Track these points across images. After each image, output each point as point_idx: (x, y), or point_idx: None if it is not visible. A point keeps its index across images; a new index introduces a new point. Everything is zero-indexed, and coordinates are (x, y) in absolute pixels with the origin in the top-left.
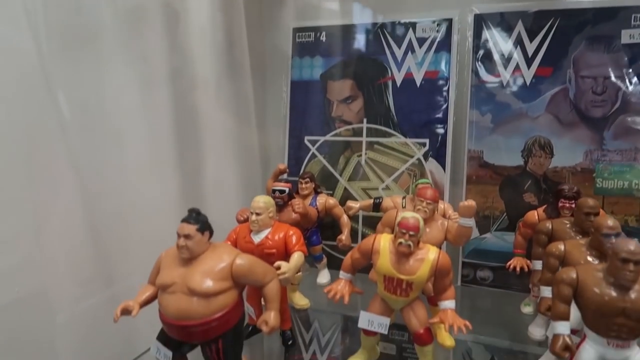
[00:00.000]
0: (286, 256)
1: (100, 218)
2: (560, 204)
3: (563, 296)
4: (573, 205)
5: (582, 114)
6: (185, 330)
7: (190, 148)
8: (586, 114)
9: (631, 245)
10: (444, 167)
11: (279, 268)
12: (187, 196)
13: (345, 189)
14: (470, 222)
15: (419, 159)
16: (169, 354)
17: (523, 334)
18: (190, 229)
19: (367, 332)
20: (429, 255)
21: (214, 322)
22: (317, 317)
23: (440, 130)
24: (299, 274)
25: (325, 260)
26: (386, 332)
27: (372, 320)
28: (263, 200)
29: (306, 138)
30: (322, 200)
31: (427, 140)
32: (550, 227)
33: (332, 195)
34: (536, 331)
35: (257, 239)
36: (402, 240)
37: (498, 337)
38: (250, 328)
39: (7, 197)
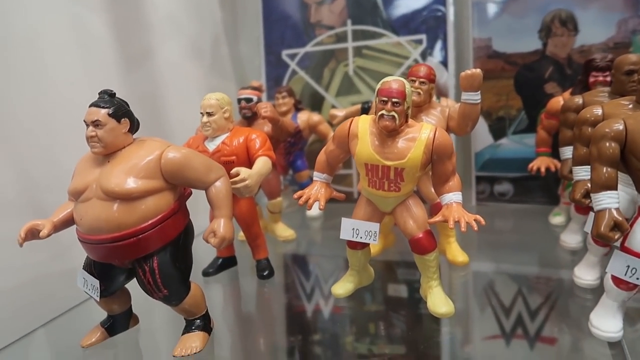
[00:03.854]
0: (249, 164)
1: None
2: (591, 79)
3: (607, 156)
4: (608, 79)
5: None
6: (106, 247)
7: (144, 76)
8: None
9: None
10: (446, 66)
11: (237, 174)
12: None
13: (334, 106)
14: (477, 96)
15: (415, 60)
16: (96, 283)
17: (553, 256)
18: (100, 113)
19: (353, 245)
20: (423, 132)
21: (142, 232)
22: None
23: (439, 22)
24: (279, 199)
25: None
26: (376, 242)
27: (356, 229)
28: (215, 97)
29: (284, 52)
30: (305, 117)
31: (423, 37)
32: (580, 101)
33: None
34: (571, 238)
35: (212, 146)
36: (383, 111)
37: (525, 263)
38: (220, 261)
39: None
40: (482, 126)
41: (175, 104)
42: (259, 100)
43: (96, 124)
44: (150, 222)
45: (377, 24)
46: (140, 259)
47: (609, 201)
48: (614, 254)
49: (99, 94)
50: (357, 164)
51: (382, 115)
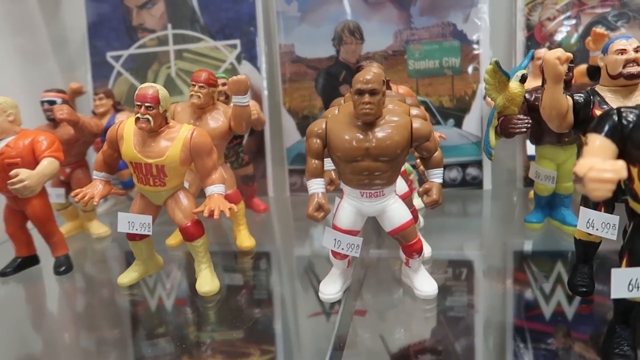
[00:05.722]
0: (36, 166)
1: None
2: None
3: (314, 150)
4: None
5: None
6: None
7: None
8: None
9: (367, 74)
10: (258, 69)
11: (17, 175)
12: None
13: None
14: (245, 99)
15: (231, 63)
16: None
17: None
18: None
19: (131, 237)
20: (181, 132)
21: None
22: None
23: (251, 28)
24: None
25: None
26: (150, 233)
27: (132, 222)
28: None
29: (108, 54)
30: (124, 117)
31: (238, 42)
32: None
33: None
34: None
35: None
36: (139, 114)
37: None
38: (19, 260)
39: None
40: (290, 124)
41: None
42: (65, 102)
43: None
44: None
45: (195, 29)
46: None
47: (316, 187)
48: (326, 231)
49: None
50: (125, 162)
51: (138, 118)
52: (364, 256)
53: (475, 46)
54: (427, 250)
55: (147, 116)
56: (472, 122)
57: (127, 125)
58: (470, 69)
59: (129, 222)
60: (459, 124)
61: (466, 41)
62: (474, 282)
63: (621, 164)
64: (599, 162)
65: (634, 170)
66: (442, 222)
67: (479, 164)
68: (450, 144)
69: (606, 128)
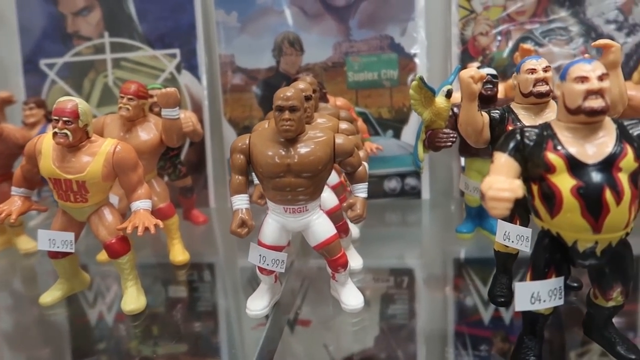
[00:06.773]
0: None
1: None
2: None
3: (237, 166)
4: None
5: (327, 3)
6: None
7: None
8: (330, 3)
9: (288, 91)
10: (199, 79)
11: None
12: None
13: (95, 116)
14: (174, 112)
15: (171, 73)
16: None
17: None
18: None
19: (53, 255)
20: (104, 147)
21: None
22: None
23: (191, 37)
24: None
25: None
26: (72, 250)
27: (53, 239)
28: None
29: (42, 61)
30: None
31: (177, 51)
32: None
33: None
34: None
35: None
36: (56, 129)
37: None
38: None
39: None
40: (231, 134)
41: None
42: None
43: None
44: None
45: (133, 37)
46: None
47: (240, 203)
48: (251, 247)
49: None
50: (44, 178)
51: (55, 132)
52: (303, 267)
53: (412, 59)
54: (356, 262)
55: (65, 131)
56: (410, 133)
57: (45, 140)
58: (408, 81)
59: (49, 239)
60: (397, 134)
61: (403, 54)
62: (414, 290)
63: (518, 184)
64: (500, 180)
65: (535, 188)
66: (381, 231)
67: (417, 174)
68: (389, 155)
69: (510, 146)
